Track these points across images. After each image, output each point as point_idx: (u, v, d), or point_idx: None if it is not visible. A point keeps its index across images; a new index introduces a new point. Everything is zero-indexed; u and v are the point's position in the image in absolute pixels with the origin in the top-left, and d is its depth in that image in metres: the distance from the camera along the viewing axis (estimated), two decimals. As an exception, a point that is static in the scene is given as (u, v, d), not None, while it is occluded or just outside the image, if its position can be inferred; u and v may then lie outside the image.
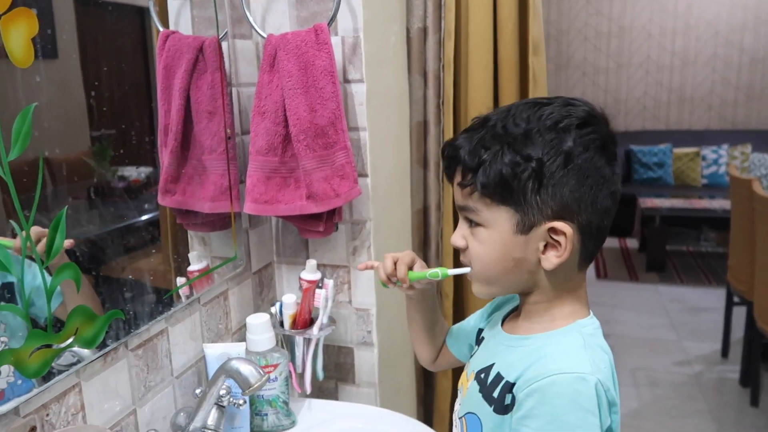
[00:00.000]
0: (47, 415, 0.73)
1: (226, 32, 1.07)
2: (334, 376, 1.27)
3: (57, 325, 0.74)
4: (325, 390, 1.28)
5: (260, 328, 1.01)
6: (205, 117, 1.03)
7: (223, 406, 0.91)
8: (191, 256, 1.04)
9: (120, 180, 0.89)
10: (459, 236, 0.73)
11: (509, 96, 1.41)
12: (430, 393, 1.57)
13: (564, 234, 0.66)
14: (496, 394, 0.69)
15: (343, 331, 1.24)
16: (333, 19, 1.06)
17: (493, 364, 0.72)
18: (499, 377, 0.69)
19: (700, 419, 2.39)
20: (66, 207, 0.74)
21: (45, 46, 0.71)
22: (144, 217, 0.97)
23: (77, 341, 0.76)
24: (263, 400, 1.03)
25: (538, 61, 1.40)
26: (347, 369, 1.26)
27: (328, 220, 1.11)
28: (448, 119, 1.41)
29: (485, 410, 0.70)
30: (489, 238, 0.69)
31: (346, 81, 1.13)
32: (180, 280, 1.00)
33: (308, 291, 1.10)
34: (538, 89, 1.41)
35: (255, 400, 1.03)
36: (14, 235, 0.69)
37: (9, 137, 0.66)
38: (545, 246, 0.67)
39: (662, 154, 4.89)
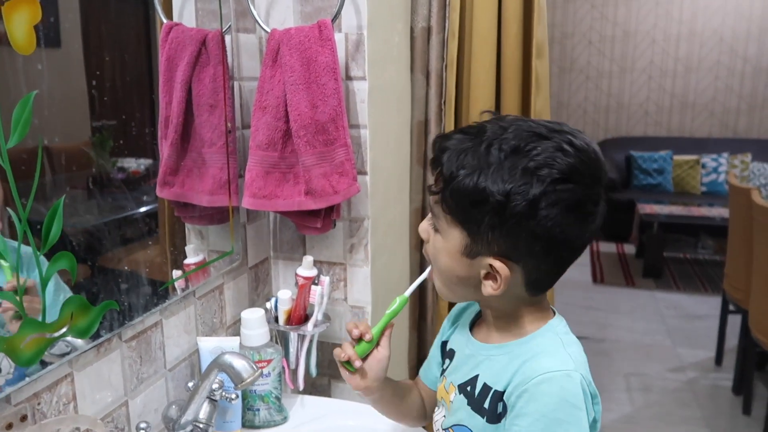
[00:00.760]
0: (38, 404, 0.73)
1: (229, 26, 1.07)
2: (328, 372, 1.27)
3: (51, 314, 0.74)
4: (318, 387, 1.28)
5: (255, 323, 1.01)
6: (206, 110, 1.02)
7: (215, 400, 0.91)
8: (188, 249, 1.04)
9: (119, 171, 0.89)
10: (425, 228, 0.73)
11: (511, 97, 1.41)
12: (423, 392, 1.57)
13: (499, 274, 0.65)
14: (486, 404, 0.69)
15: (337, 328, 1.24)
16: (337, 15, 1.06)
17: (477, 376, 0.72)
18: (486, 388, 0.70)
19: (692, 426, 2.40)
20: (63, 196, 0.74)
21: (48, 34, 0.70)
22: (142, 209, 0.97)
23: (71, 331, 0.76)
24: (255, 395, 1.03)
25: (542, 64, 1.40)
26: (341, 366, 1.26)
27: (326, 216, 1.11)
28: (450, 119, 1.40)
29: (477, 422, 0.70)
30: (441, 247, 0.70)
31: (349, 78, 1.13)
32: (176, 273, 1.00)
33: (304, 287, 1.10)
34: (541, 92, 1.41)
35: (247, 395, 1.03)
36: (11, 223, 0.69)
37: (9, 124, 0.66)
38: (486, 274, 0.67)
39: (662, 161, 4.89)
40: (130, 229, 0.94)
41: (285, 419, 1.07)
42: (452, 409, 0.75)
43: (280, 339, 1.13)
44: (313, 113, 1.04)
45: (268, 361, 1.02)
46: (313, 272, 1.10)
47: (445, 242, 0.69)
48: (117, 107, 0.88)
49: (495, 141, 0.64)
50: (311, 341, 1.12)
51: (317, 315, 1.10)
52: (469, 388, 0.73)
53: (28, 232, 0.70)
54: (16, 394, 0.70)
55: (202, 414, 0.89)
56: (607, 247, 4.83)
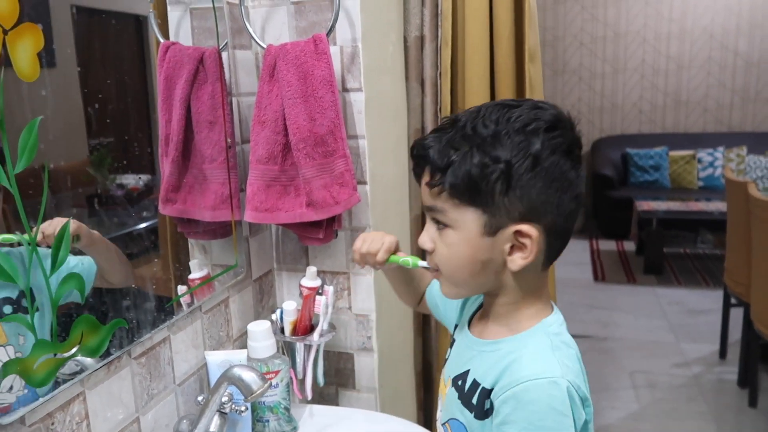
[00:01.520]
0: (52, 424, 0.74)
1: (226, 43, 1.08)
2: (335, 381, 1.28)
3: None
4: (325, 396, 1.29)
5: (261, 335, 1.02)
6: (206, 127, 1.04)
7: (225, 413, 0.92)
8: (192, 264, 1.05)
9: (119, 188, 0.90)
10: (427, 239, 0.73)
11: (506, 103, 1.42)
12: (430, 398, 1.57)
13: (530, 236, 0.66)
14: (474, 400, 0.70)
15: (343, 337, 1.25)
16: (332, 29, 1.07)
17: (468, 371, 0.73)
18: (475, 384, 0.71)
19: (699, 421, 2.40)
20: (70, 219, 0.75)
21: (43, 55, 0.72)
22: (144, 226, 0.98)
23: (81, 350, 0.77)
24: (265, 407, 1.04)
25: (535, 68, 1.41)
26: (347, 374, 1.27)
27: (328, 227, 1.12)
28: (446, 126, 1.42)
29: (467, 416, 0.71)
30: (456, 239, 0.69)
31: (345, 90, 1.15)
32: (181, 288, 1.01)
33: (308, 298, 1.11)
34: (535, 95, 1.42)
35: (257, 407, 1.04)
36: (20, 244, 0.70)
37: (15, 150, 0.67)
38: (511, 248, 0.68)
39: (658, 157, 4.91)
40: (134, 246, 0.95)
41: (294, 429, 1.07)
42: (446, 403, 0.76)
43: (287, 350, 1.14)
44: (312, 126, 1.05)
45: (276, 372, 1.03)
46: (317, 282, 1.11)
47: (461, 232, 0.69)
48: (116, 126, 0.89)
49: (474, 120, 0.68)
50: (318, 351, 1.13)
51: (323, 325, 1.11)
52: (460, 383, 0.74)
53: (38, 255, 0.71)
54: (30, 414, 0.71)
55: (213, 427, 0.90)
56: (607, 245, 4.84)
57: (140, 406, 0.89)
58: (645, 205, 4.24)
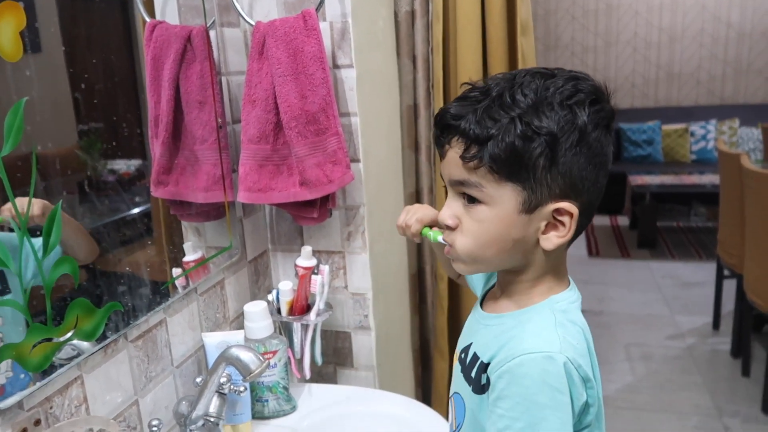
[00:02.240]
0: (51, 407, 0.74)
1: (213, 20, 1.07)
2: (333, 360, 1.28)
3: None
4: (324, 374, 1.30)
5: (258, 315, 1.02)
6: (196, 107, 1.02)
7: (224, 394, 0.92)
8: (186, 246, 1.04)
9: (111, 173, 0.89)
10: (450, 214, 0.67)
11: (498, 77, 1.41)
12: (428, 374, 1.58)
13: (570, 214, 0.64)
14: (473, 374, 0.68)
15: (340, 316, 1.25)
16: (321, 4, 1.06)
17: (471, 344, 0.71)
18: (475, 357, 0.69)
19: (694, 391, 2.43)
20: (60, 201, 0.74)
21: (29, 39, 0.70)
22: (137, 210, 0.97)
23: (77, 334, 0.77)
24: (263, 387, 1.04)
25: (527, 42, 1.40)
26: (345, 353, 1.27)
27: (322, 206, 1.11)
28: (438, 102, 1.41)
29: (466, 390, 0.70)
30: (489, 216, 0.64)
31: (336, 66, 1.13)
32: (176, 271, 1.00)
33: (304, 277, 1.10)
34: (527, 70, 1.41)
35: (255, 387, 1.04)
36: (11, 230, 0.69)
37: (1, 132, 0.66)
38: (546, 225, 0.65)
39: (651, 132, 4.91)
40: (128, 230, 0.94)
41: (294, 408, 1.08)
42: (454, 376, 0.75)
43: (284, 330, 1.14)
44: (303, 104, 1.04)
45: (274, 353, 1.03)
46: (313, 262, 1.11)
47: (496, 208, 0.64)
48: (104, 109, 0.87)
49: (512, 89, 0.62)
50: (315, 330, 1.13)
51: (319, 304, 1.11)
52: (463, 356, 0.72)
53: (28, 238, 0.70)
54: (29, 399, 0.71)
55: (213, 408, 0.90)
56: (601, 221, 4.86)
57: (139, 389, 0.89)
58: (638, 179, 4.24)
